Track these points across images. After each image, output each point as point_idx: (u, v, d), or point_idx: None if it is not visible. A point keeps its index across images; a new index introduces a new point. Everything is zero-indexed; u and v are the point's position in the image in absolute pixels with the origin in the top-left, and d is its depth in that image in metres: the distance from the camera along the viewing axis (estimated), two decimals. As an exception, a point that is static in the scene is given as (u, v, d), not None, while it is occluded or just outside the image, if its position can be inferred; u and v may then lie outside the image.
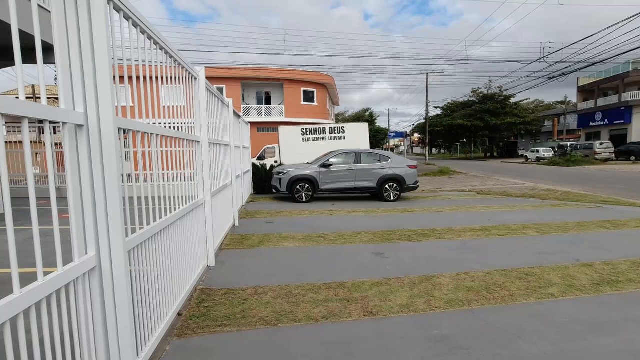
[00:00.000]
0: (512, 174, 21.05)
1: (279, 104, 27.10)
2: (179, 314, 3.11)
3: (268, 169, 12.19)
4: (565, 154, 30.83)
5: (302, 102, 27.35)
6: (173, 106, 3.22)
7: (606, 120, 38.48)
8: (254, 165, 12.23)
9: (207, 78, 4.43)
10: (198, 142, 4.01)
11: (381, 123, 66.73)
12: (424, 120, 43.71)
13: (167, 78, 2.99)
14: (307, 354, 2.57)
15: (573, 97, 46.15)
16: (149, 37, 2.46)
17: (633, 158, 29.10)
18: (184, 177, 3.51)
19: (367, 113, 60.98)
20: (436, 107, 50.26)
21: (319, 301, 3.43)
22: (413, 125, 65.73)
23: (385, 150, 27.30)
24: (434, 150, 72.21)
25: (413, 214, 8.14)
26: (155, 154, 2.67)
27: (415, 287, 3.76)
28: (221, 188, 5.39)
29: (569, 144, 34.65)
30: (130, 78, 2.21)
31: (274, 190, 10.45)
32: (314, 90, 28.07)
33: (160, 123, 2.80)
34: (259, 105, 26.70)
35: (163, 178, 2.78)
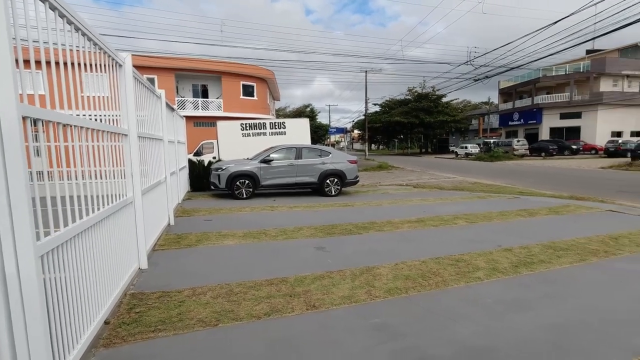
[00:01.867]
0: (444, 168, 22.57)
1: (217, 98, 26.06)
2: (106, 322, 2.84)
3: (206, 165, 11.69)
4: (489, 150, 33.85)
5: (242, 97, 26.61)
6: (97, 97, 2.91)
7: (522, 120, 43.04)
8: (190, 161, 11.65)
9: (136, 67, 4.10)
10: (125, 135, 3.69)
11: (322, 119, 67.54)
12: (363, 117, 45.10)
13: (87, 65, 2.69)
14: (249, 352, 2.50)
15: (495, 98, 50.72)
16: (61, 16, 2.18)
17: (543, 154, 32.91)
18: (111, 174, 3.21)
19: (308, 109, 61.41)
20: (375, 104, 52.21)
21: (261, 298, 3.36)
22: (353, 121, 67.53)
23: (326, 145, 27.63)
24: (373, 146, 74.86)
25: (354, 208, 8.34)
26: (73, 148, 2.39)
27: (357, 278, 3.85)
28: (154, 185, 5.04)
29: (492, 141, 38.09)
30: (38, 62, 1.95)
31: (212, 187, 10.06)
32: (254, 84, 27.45)
33: (81, 115, 2.51)
34: (195, 99, 25.40)
35: (84, 175, 2.51)
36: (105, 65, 3.18)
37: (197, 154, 16.01)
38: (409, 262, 4.35)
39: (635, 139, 34.61)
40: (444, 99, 47.31)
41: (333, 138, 75.54)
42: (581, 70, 39.42)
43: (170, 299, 3.33)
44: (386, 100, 52.41)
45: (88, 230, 2.53)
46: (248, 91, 27.10)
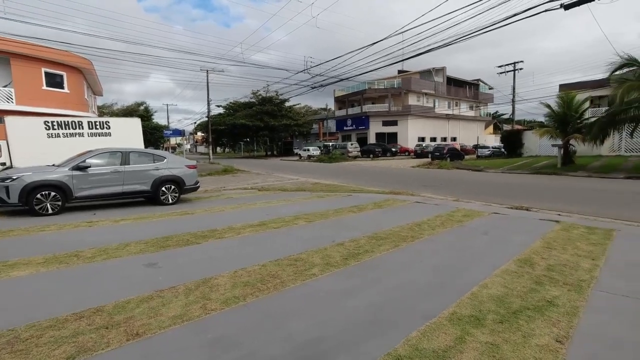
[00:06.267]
0: (289, 170, 23.67)
1: (4, 86, 20.25)
2: None
3: (-11, 173, 8.94)
4: (329, 153, 37.50)
5: (45, 87, 21.39)
6: None
7: (354, 125, 49.61)
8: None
9: None
10: None
11: (161, 119, 61.72)
12: (207, 119, 43.27)
13: None
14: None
15: (332, 105, 56.50)
16: None
17: (371, 155, 38.60)
18: None
19: (142, 107, 55.08)
20: (219, 106, 50.98)
21: (64, 338, 2.69)
22: (195, 123, 64.05)
23: (165, 149, 25.24)
24: (218, 149, 72.71)
25: (193, 216, 7.78)
26: None
27: (191, 293, 3.52)
28: None
29: (330, 144, 42.39)
30: None
31: (-1, 204, 7.74)
32: (64, 73, 22.48)
33: None
34: (-36, 84, 19.00)
35: None
36: None
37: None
38: (249, 267, 4.26)
39: (433, 143, 44.42)
40: (287, 104, 49.83)
41: (174, 141, 69.94)
42: (395, 87, 48.15)
43: None
44: (230, 103, 51.78)
45: None
46: (55, 81, 22.00)
